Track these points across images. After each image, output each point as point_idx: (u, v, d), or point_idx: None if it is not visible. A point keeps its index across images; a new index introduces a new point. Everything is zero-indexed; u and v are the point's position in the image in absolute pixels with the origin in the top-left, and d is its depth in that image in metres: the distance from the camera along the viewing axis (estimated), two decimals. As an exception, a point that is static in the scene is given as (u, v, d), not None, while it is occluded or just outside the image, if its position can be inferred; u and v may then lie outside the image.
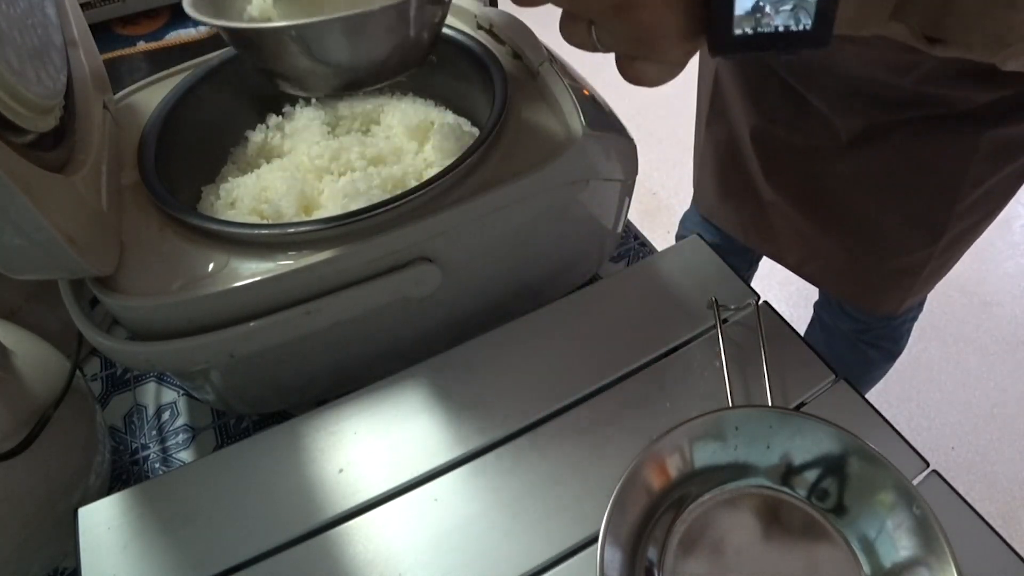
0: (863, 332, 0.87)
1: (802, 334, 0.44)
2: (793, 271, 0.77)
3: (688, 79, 0.84)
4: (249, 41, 0.37)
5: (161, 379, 0.53)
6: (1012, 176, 0.60)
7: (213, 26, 0.34)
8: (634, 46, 0.28)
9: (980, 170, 0.58)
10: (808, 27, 0.25)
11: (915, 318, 0.88)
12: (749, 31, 0.26)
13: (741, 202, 0.77)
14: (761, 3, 0.25)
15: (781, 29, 0.26)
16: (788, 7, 0.25)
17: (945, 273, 0.72)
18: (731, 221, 0.81)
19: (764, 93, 0.66)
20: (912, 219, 0.63)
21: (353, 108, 0.53)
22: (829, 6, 0.25)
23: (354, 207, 0.40)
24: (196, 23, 0.77)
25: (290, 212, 0.44)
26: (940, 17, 0.28)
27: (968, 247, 0.70)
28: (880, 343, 0.88)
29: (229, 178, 0.48)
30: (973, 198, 0.60)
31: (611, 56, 0.29)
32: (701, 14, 0.26)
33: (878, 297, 0.74)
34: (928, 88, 0.53)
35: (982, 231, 0.68)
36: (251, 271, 0.38)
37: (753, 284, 0.51)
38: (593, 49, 0.29)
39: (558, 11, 0.29)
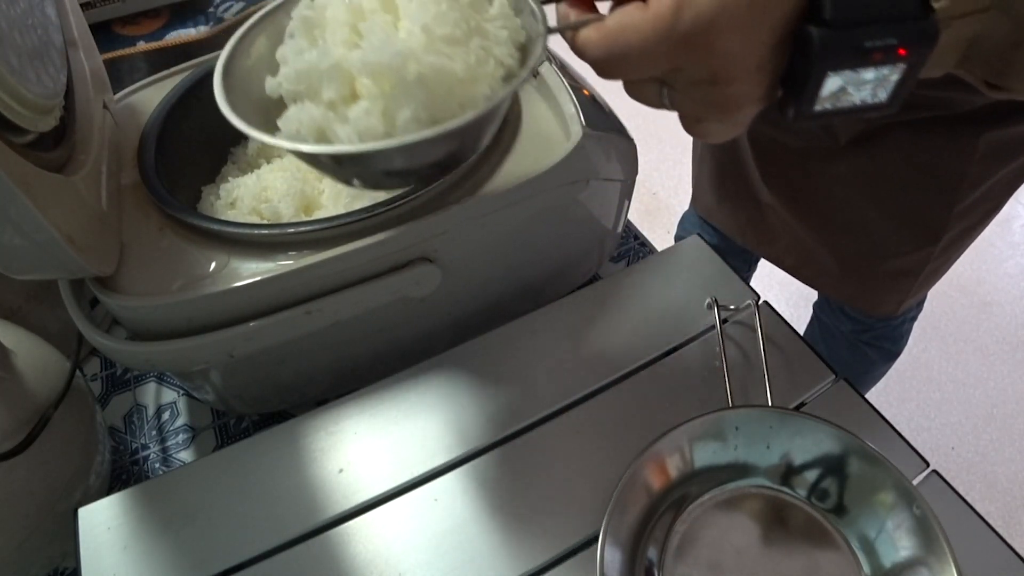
0: (862, 332, 0.87)
1: (802, 334, 0.44)
2: (791, 274, 0.77)
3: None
4: (321, 161, 0.30)
5: (161, 379, 0.53)
6: (1010, 176, 0.60)
7: (283, 147, 0.28)
8: (711, 111, 0.28)
9: (979, 171, 0.58)
10: (883, 100, 0.26)
11: (915, 318, 0.88)
12: (829, 107, 0.26)
13: (739, 204, 0.77)
14: (845, 84, 0.25)
15: (858, 103, 0.26)
16: (868, 87, 0.26)
17: (944, 273, 0.72)
18: (729, 223, 0.81)
19: None
20: (911, 221, 0.63)
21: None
22: (908, 83, 0.26)
23: (357, 207, 0.40)
24: (196, 23, 0.77)
25: (288, 213, 0.44)
26: (1002, 70, 0.30)
27: (967, 247, 0.70)
28: (880, 343, 0.88)
29: (229, 178, 0.48)
30: (972, 199, 0.60)
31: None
32: (781, 87, 0.27)
33: (877, 298, 0.74)
34: (927, 91, 0.53)
35: (981, 231, 0.68)
36: (251, 271, 0.38)
37: (753, 284, 0.51)
38: (658, 107, 0.29)
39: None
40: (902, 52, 0.24)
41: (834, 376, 0.42)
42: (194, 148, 0.49)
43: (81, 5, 0.58)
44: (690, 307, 0.46)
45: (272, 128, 0.30)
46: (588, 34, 0.27)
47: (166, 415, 0.51)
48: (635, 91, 0.29)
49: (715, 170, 0.79)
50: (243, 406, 0.49)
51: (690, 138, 0.89)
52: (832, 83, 0.25)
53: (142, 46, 0.73)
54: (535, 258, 0.49)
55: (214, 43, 0.75)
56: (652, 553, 0.34)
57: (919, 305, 0.86)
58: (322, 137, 0.28)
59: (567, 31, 0.28)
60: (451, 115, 0.27)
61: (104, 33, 0.75)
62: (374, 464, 0.39)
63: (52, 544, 0.40)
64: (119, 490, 0.39)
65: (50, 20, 0.39)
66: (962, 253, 0.70)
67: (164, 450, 0.49)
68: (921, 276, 0.69)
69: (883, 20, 0.24)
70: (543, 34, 0.29)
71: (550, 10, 0.30)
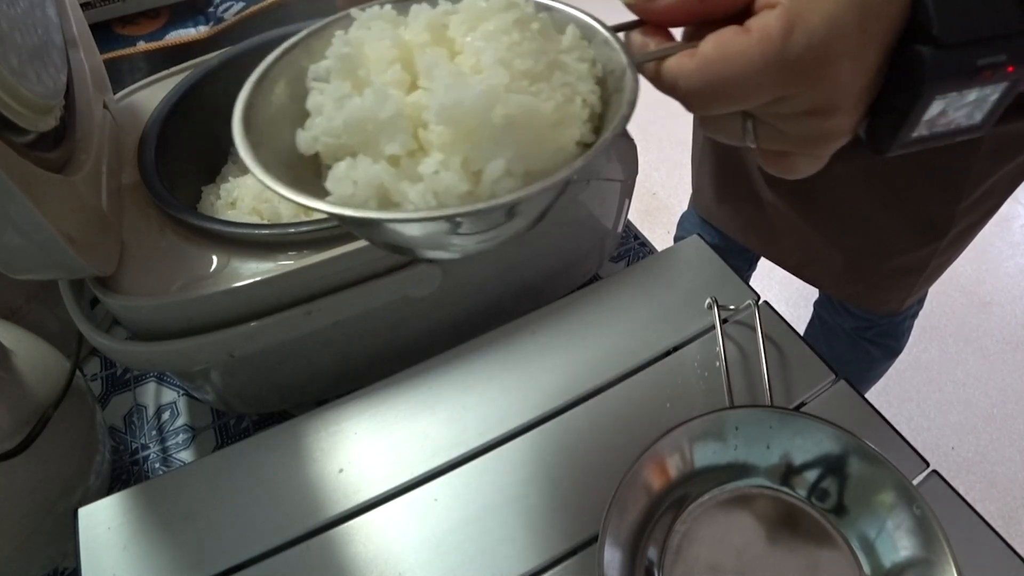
0: (864, 330, 0.87)
1: (802, 333, 0.44)
2: (793, 273, 0.77)
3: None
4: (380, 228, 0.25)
5: (161, 379, 0.53)
6: (1014, 172, 0.60)
7: (334, 215, 0.23)
8: (803, 145, 0.26)
9: (983, 167, 0.58)
10: (977, 121, 0.25)
11: (916, 315, 0.88)
12: (925, 133, 0.25)
13: (740, 204, 0.77)
14: (947, 107, 0.24)
15: (954, 127, 0.25)
16: (968, 107, 0.24)
17: (945, 269, 0.72)
18: (730, 223, 0.80)
19: None
20: (915, 218, 0.63)
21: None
22: (1005, 102, 0.25)
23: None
24: (196, 23, 0.77)
25: (288, 214, 0.44)
26: None
27: (967, 244, 0.70)
28: (881, 340, 0.88)
29: (229, 178, 0.48)
30: (976, 195, 0.60)
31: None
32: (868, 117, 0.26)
33: (880, 297, 0.74)
34: None
35: (981, 228, 0.68)
36: (251, 271, 0.38)
37: (753, 284, 0.51)
38: (739, 143, 0.27)
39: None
40: (1010, 69, 0.23)
41: (834, 376, 0.42)
42: (194, 148, 0.49)
43: (81, 5, 0.58)
44: (690, 307, 0.46)
45: (310, 188, 0.24)
46: (681, 63, 0.24)
47: (166, 415, 0.51)
48: (716, 125, 0.27)
49: (716, 170, 0.79)
50: (243, 406, 0.49)
51: (690, 138, 0.89)
52: (935, 107, 0.24)
53: (142, 46, 0.73)
54: (535, 258, 0.49)
55: (214, 43, 0.75)
56: (652, 553, 0.34)
57: (920, 302, 0.86)
58: (385, 199, 0.23)
59: (650, 61, 0.25)
60: (544, 166, 0.23)
61: (104, 33, 0.75)
62: (374, 464, 0.39)
63: (52, 544, 0.40)
64: (119, 490, 0.39)
65: (50, 20, 0.39)
66: (963, 249, 0.70)
67: (164, 450, 0.49)
68: (925, 273, 0.69)
69: (991, 37, 0.23)
70: (630, 66, 0.24)
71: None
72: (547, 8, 0.27)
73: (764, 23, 0.22)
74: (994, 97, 0.24)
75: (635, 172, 0.50)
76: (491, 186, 0.22)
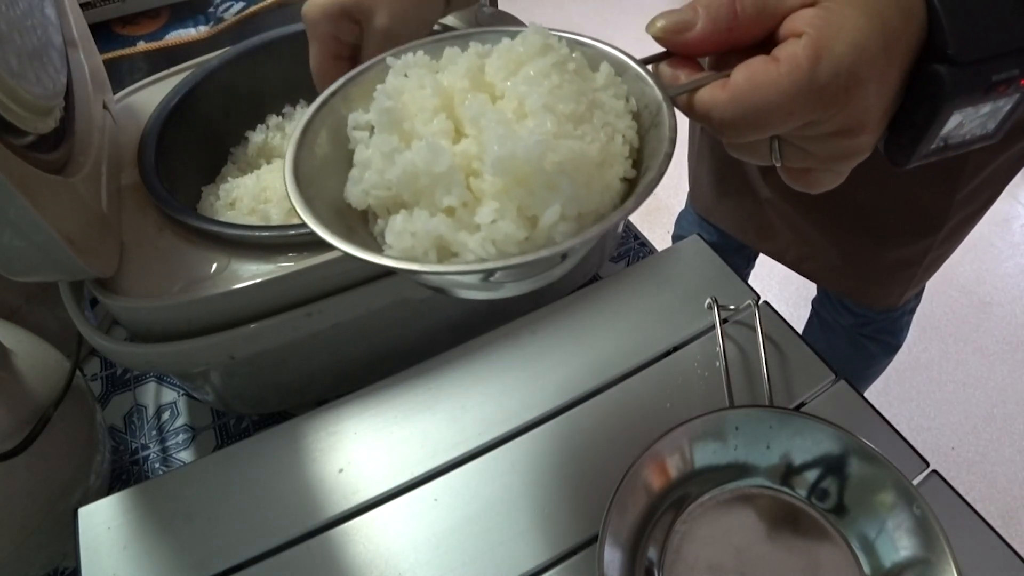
0: (862, 326, 0.87)
1: (801, 332, 0.44)
2: (792, 268, 0.77)
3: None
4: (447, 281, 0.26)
5: (161, 379, 0.53)
6: (1008, 163, 0.61)
7: (401, 271, 0.23)
8: (827, 162, 0.26)
9: (978, 158, 0.58)
10: (990, 131, 0.26)
11: (913, 310, 0.88)
12: (943, 144, 0.26)
13: (739, 200, 0.77)
14: (963, 120, 0.25)
15: (968, 138, 0.26)
16: (983, 119, 0.25)
17: (942, 263, 0.72)
18: (728, 219, 0.81)
19: None
20: (912, 210, 0.64)
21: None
22: (1017, 112, 0.25)
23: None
24: (196, 23, 0.77)
25: (278, 218, 0.44)
26: None
27: (965, 237, 0.70)
28: (880, 336, 0.88)
29: (229, 178, 0.48)
30: (972, 186, 0.61)
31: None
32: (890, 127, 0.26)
33: (879, 291, 0.74)
34: None
35: (978, 220, 0.68)
36: (252, 273, 0.38)
37: (752, 284, 0.51)
38: (766, 163, 0.28)
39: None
40: (1023, 82, 0.24)
41: (834, 376, 0.42)
42: (194, 148, 0.49)
43: (81, 5, 0.58)
44: (690, 307, 0.46)
45: (363, 238, 0.25)
46: (714, 94, 0.24)
47: (166, 415, 0.51)
48: (745, 149, 0.27)
49: (714, 167, 0.79)
50: (243, 406, 0.49)
51: (689, 138, 0.89)
52: (953, 121, 0.25)
53: (142, 46, 0.74)
54: (535, 258, 0.49)
55: (214, 43, 0.75)
56: (652, 553, 0.34)
57: (917, 296, 0.87)
58: (444, 250, 0.24)
59: (682, 93, 0.25)
60: (594, 206, 0.23)
61: (104, 33, 0.75)
62: (374, 464, 0.39)
63: (52, 544, 0.40)
64: (119, 490, 0.39)
65: (50, 20, 0.39)
66: (961, 242, 0.70)
67: (164, 450, 0.49)
68: (923, 266, 0.69)
69: (1005, 52, 0.24)
70: (665, 100, 0.25)
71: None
72: (579, 44, 0.27)
73: (792, 52, 0.23)
74: (1007, 108, 0.25)
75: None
76: (548, 231, 0.22)
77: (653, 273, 0.48)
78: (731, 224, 0.81)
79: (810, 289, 0.91)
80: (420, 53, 0.27)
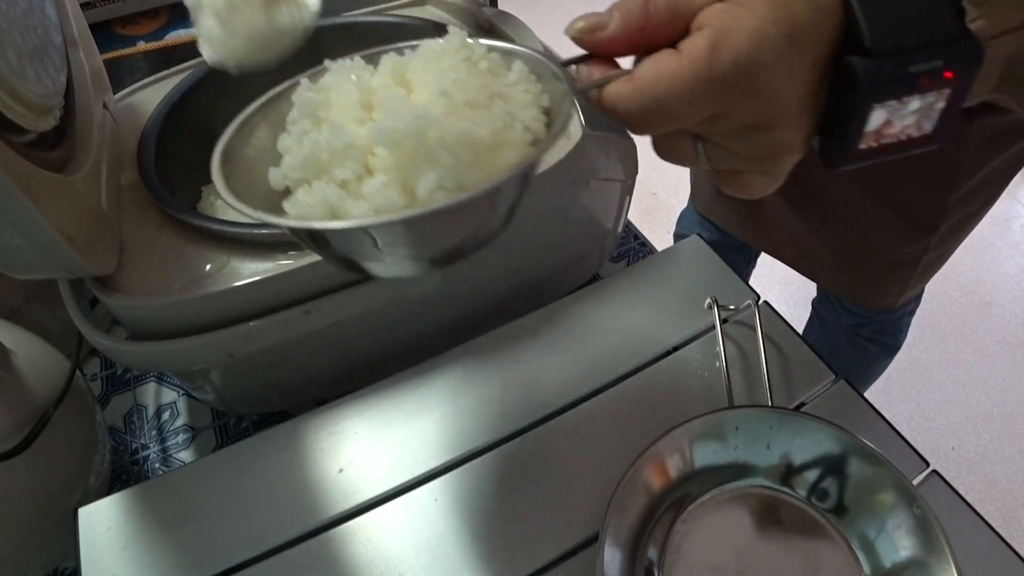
0: (861, 327, 0.87)
1: (801, 332, 0.45)
2: (791, 266, 0.77)
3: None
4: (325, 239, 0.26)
5: (161, 379, 0.53)
6: (1005, 165, 0.61)
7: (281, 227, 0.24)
8: (753, 163, 0.26)
9: (973, 160, 0.58)
10: (929, 131, 0.25)
11: (913, 311, 0.88)
12: (874, 144, 0.25)
13: (737, 199, 0.77)
14: (890, 117, 0.24)
15: (903, 138, 0.25)
16: (914, 116, 0.25)
17: (942, 265, 0.72)
18: (728, 218, 0.81)
19: None
20: (907, 212, 0.64)
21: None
22: (954, 111, 0.25)
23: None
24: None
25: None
26: None
27: (964, 238, 0.70)
28: (879, 337, 0.88)
29: (229, 178, 0.48)
30: (967, 188, 0.61)
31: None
32: (819, 134, 0.26)
33: (875, 291, 0.74)
34: None
35: (977, 222, 0.68)
36: (251, 271, 0.38)
37: (753, 284, 0.51)
38: (694, 166, 0.28)
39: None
40: (948, 75, 0.24)
41: (834, 376, 0.42)
42: (194, 148, 0.49)
43: (81, 5, 0.58)
44: (690, 307, 0.46)
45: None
46: (619, 88, 0.25)
47: (166, 415, 0.51)
48: (668, 148, 0.28)
49: None
50: (243, 406, 0.49)
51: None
52: (877, 117, 0.24)
53: (142, 46, 0.74)
54: (535, 258, 0.49)
55: (214, 43, 0.75)
56: (652, 553, 0.34)
57: (917, 298, 0.87)
58: (334, 217, 0.25)
59: (593, 89, 0.26)
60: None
61: (104, 33, 0.75)
62: (374, 464, 0.39)
63: (52, 544, 0.40)
64: (119, 490, 0.39)
65: (50, 20, 0.39)
66: (960, 244, 0.70)
67: (164, 450, 0.49)
68: (919, 267, 0.69)
69: (925, 44, 0.23)
70: (569, 92, 0.26)
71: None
72: (503, 51, 0.29)
73: (693, 44, 0.23)
74: (940, 105, 0.24)
75: (635, 172, 0.50)
76: (426, 199, 0.24)
77: (653, 273, 0.48)
78: (730, 222, 0.81)
79: (810, 289, 0.91)
80: (358, 58, 0.29)
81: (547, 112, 0.27)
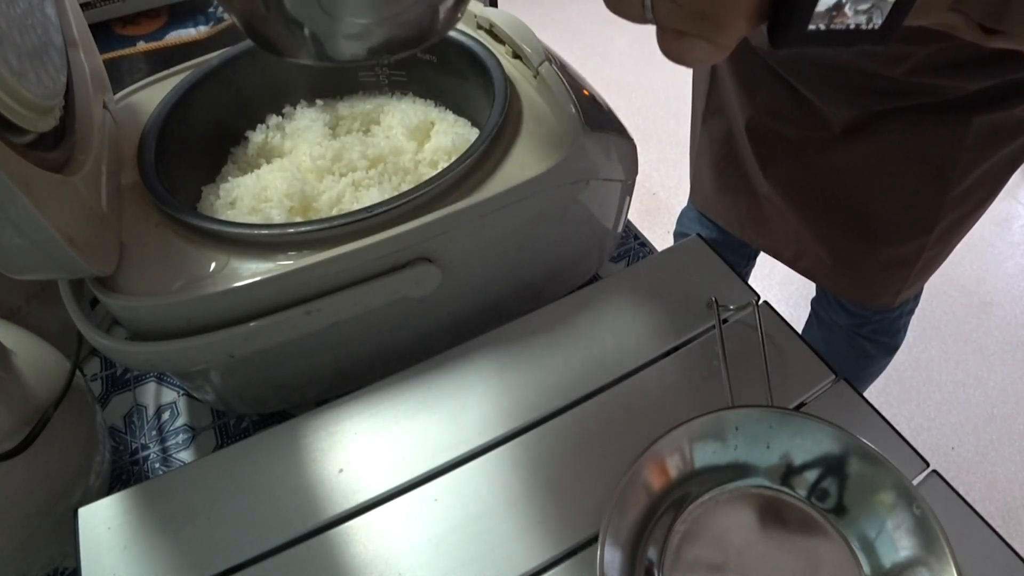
0: (860, 326, 0.87)
1: (800, 331, 0.45)
2: (789, 265, 0.77)
3: (686, 79, 0.84)
4: None
5: (161, 379, 0.53)
6: (1002, 163, 0.61)
7: None
8: (694, 23, 0.26)
9: (970, 158, 0.58)
10: (877, 26, 0.25)
11: (912, 311, 0.88)
12: (822, 27, 0.25)
13: (737, 196, 0.77)
14: (843, 1, 0.24)
15: (852, 27, 0.25)
16: (866, 6, 0.25)
17: (939, 264, 0.72)
18: (727, 216, 0.81)
19: (758, 86, 0.66)
20: (904, 209, 0.64)
21: (353, 108, 0.53)
22: (904, 6, 0.25)
23: (355, 207, 0.40)
24: (196, 23, 0.77)
25: (280, 218, 0.44)
26: (1000, 9, 0.28)
27: (961, 237, 0.70)
28: (877, 337, 0.88)
29: (229, 178, 0.48)
30: (964, 186, 0.61)
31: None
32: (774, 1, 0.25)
33: (873, 290, 0.74)
34: (918, 78, 0.54)
35: (975, 221, 0.68)
36: (251, 271, 0.38)
37: (753, 284, 0.51)
38: (639, 20, 0.27)
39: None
40: None
41: (834, 376, 0.42)
42: (194, 148, 0.49)
43: (81, 5, 0.58)
44: (690, 307, 0.46)
45: None
46: None
47: (166, 415, 0.51)
48: (616, 2, 0.27)
49: (714, 162, 0.79)
50: (243, 406, 0.49)
51: (691, 134, 0.90)
52: None
53: (142, 46, 0.74)
54: (535, 258, 0.49)
55: (214, 43, 0.75)
56: (652, 553, 0.34)
57: (916, 298, 0.87)
58: None
59: None
60: None
61: (104, 33, 0.75)
62: (374, 464, 0.39)
63: (52, 544, 0.40)
64: (119, 490, 0.39)
65: (50, 20, 0.39)
66: (958, 242, 0.71)
67: (164, 450, 0.49)
68: (917, 266, 0.69)
69: None
70: None
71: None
72: None
73: None
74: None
75: (635, 172, 0.50)
76: None
77: (653, 273, 0.48)
78: (729, 220, 0.81)
79: (810, 289, 0.91)
80: None
81: None
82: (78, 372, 0.43)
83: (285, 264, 0.38)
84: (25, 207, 0.29)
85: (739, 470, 0.36)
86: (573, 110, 0.44)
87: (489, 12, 0.51)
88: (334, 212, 0.44)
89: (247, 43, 0.52)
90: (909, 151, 0.59)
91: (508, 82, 0.46)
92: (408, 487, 0.38)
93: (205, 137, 0.50)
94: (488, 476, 0.38)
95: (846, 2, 0.24)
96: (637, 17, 0.27)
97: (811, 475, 0.36)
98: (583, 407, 0.41)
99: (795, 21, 0.25)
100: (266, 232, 0.39)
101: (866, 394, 0.47)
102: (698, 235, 0.51)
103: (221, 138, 0.52)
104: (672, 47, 0.27)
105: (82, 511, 0.38)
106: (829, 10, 0.24)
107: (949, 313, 1.52)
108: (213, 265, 0.39)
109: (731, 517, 0.35)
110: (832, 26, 0.25)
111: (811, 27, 0.25)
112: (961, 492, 0.38)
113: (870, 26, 0.25)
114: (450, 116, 0.52)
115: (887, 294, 0.74)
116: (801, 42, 0.25)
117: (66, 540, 0.39)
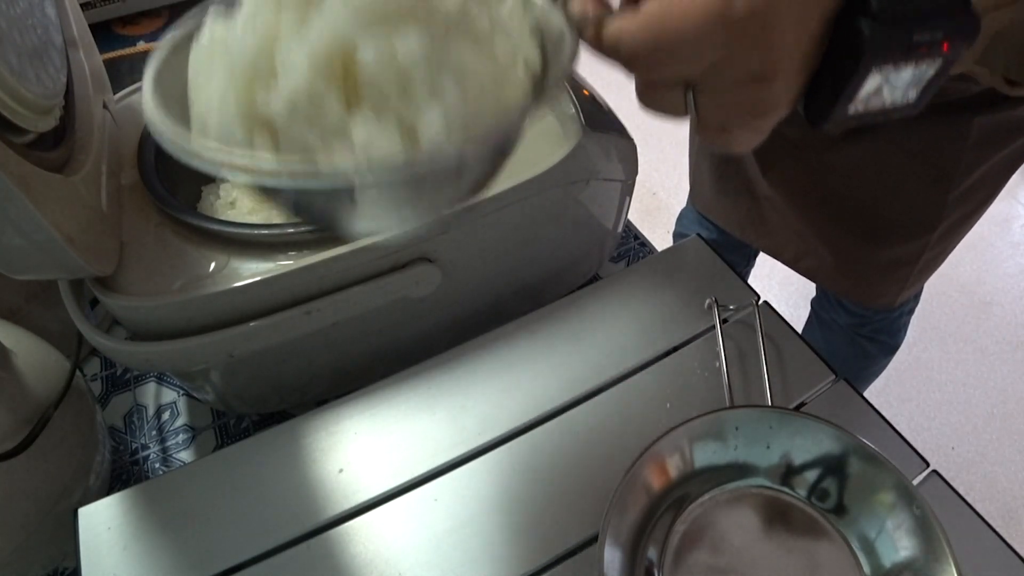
0: (860, 326, 0.87)
1: (800, 331, 0.44)
2: (790, 266, 0.77)
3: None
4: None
5: (161, 379, 0.53)
6: (1004, 163, 0.61)
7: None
8: (742, 116, 0.26)
9: (973, 157, 0.58)
10: (912, 99, 0.25)
11: (912, 311, 0.88)
12: (861, 109, 0.25)
13: (737, 198, 0.77)
14: (883, 83, 0.24)
15: (889, 104, 0.25)
16: (904, 84, 0.25)
17: (940, 264, 0.72)
18: (727, 217, 0.81)
19: None
20: (907, 209, 0.64)
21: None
22: (939, 81, 0.25)
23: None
24: (196, 23, 0.76)
25: (280, 218, 0.43)
26: (1022, 63, 0.28)
27: (962, 237, 0.70)
28: (878, 337, 0.88)
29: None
30: (966, 186, 0.61)
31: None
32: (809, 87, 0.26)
33: (875, 290, 0.74)
34: None
35: (976, 221, 0.68)
36: (251, 271, 0.38)
37: (753, 284, 0.51)
38: (680, 114, 0.26)
39: None
40: (945, 47, 0.24)
41: (834, 376, 0.42)
42: (194, 148, 0.49)
43: (81, 5, 0.58)
44: (690, 307, 0.46)
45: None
46: (623, 25, 0.23)
47: (166, 415, 0.51)
48: (656, 97, 0.26)
49: (714, 164, 0.79)
50: (243, 406, 0.49)
51: (690, 135, 0.89)
52: (872, 82, 0.24)
53: (142, 46, 0.74)
54: (535, 258, 0.49)
55: (214, 43, 0.75)
56: (652, 553, 0.34)
57: (916, 297, 0.87)
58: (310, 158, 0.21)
59: (590, 26, 0.24)
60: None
61: (104, 33, 0.75)
62: (374, 464, 0.39)
63: (52, 544, 0.40)
64: (119, 490, 0.39)
65: (50, 20, 0.39)
66: (958, 242, 0.70)
67: (164, 450, 0.49)
68: (918, 265, 0.69)
69: (929, 13, 0.23)
70: (568, 26, 0.24)
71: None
72: None
73: None
74: (929, 74, 0.25)
75: (635, 172, 0.50)
76: (431, 143, 0.20)
77: (653, 273, 0.48)
78: (729, 221, 0.81)
79: (810, 289, 0.91)
80: None
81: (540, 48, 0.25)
82: (78, 372, 0.43)
83: (285, 264, 0.38)
84: (25, 207, 0.29)
85: (739, 470, 0.36)
86: (573, 110, 0.44)
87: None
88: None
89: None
90: (911, 152, 0.59)
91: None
92: (408, 487, 0.38)
93: (205, 137, 0.50)
94: (488, 476, 0.38)
95: (885, 85, 0.24)
96: (679, 112, 0.26)
97: (811, 475, 0.36)
98: (583, 407, 0.41)
99: (837, 107, 0.25)
100: (266, 232, 0.39)
101: (866, 394, 0.47)
102: (698, 235, 0.51)
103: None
104: (717, 140, 0.27)
105: (82, 511, 0.38)
106: (869, 94, 0.25)
107: (949, 313, 1.52)
108: (213, 265, 0.38)
109: (731, 517, 0.35)
110: (870, 107, 0.25)
111: (851, 111, 0.25)
112: (961, 492, 0.38)
113: (904, 101, 0.25)
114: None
115: (888, 294, 0.74)
116: (841, 123, 0.26)
117: (66, 540, 0.39)
